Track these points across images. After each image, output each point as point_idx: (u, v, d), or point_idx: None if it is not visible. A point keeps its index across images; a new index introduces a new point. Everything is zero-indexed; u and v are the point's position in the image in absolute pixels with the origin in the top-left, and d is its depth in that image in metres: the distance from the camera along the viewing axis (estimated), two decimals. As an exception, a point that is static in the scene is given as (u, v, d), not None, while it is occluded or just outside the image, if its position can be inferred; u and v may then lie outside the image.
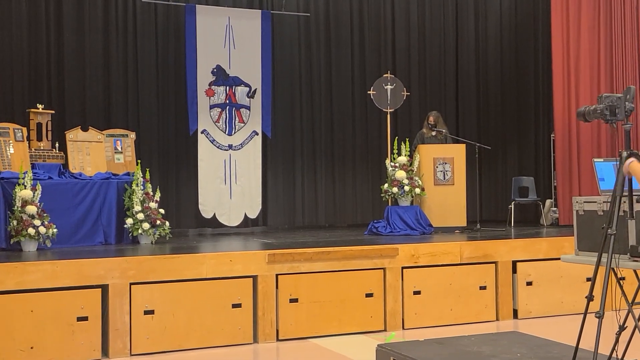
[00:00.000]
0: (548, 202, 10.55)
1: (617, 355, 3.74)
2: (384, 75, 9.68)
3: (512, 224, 10.14)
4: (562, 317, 7.59)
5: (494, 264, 7.46)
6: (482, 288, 7.38)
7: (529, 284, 7.57)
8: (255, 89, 9.97)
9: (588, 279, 7.76)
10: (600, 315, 3.46)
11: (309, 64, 10.80)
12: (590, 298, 3.79)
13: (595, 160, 4.08)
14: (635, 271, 4.00)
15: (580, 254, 4.18)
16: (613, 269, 3.81)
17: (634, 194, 3.61)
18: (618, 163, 3.58)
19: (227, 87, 9.82)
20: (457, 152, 9.15)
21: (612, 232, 3.47)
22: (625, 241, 3.74)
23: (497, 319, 7.42)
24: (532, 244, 7.70)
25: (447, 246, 7.32)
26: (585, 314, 3.86)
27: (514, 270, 7.54)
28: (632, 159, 3.51)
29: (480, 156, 9.66)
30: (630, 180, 3.58)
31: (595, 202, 4.09)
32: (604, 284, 3.45)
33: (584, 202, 4.17)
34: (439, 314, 7.17)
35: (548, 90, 11.04)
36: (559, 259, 7.54)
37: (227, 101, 9.83)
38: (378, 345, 4.76)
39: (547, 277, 7.63)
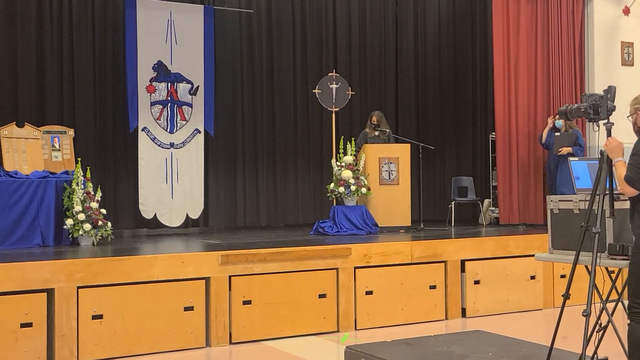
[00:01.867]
0: (486, 201, 10.72)
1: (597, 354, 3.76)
2: (329, 74, 9.62)
3: (453, 223, 10.24)
4: (507, 315, 7.70)
5: (443, 264, 7.49)
6: (432, 287, 7.39)
7: (477, 282, 7.63)
8: (198, 86, 9.73)
9: (532, 277, 7.92)
10: (587, 314, 3.45)
11: (251, 62, 10.64)
12: (566, 296, 3.79)
13: (570, 159, 4.10)
14: (607, 269, 4.03)
15: (554, 252, 4.19)
16: (587, 267, 3.83)
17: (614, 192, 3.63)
18: (598, 162, 3.59)
19: (169, 84, 9.54)
20: (402, 152, 9.17)
21: (596, 230, 3.48)
22: (603, 239, 3.77)
23: (446, 318, 7.45)
24: (479, 243, 7.77)
25: (398, 246, 7.29)
26: (561, 312, 3.86)
27: (462, 270, 7.59)
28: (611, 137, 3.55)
29: (421, 156, 9.71)
30: (611, 179, 3.60)
31: (571, 200, 4.11)
32: (590, 282, 3.45)
33: (559, 200, 4.19)
34: (391, 314, 7.14)
35: (485, 90, 11.24)
36: (505, 257, 7.80)
37: (169, 98, 9.55)
38: (347, 347, 4.66)
39: (494, 276, 7.72)
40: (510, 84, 9.82)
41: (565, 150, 9.05)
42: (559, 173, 9.17)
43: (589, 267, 3.74)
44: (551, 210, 4.21)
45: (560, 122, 9.27)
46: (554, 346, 4.05)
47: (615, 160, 3.49)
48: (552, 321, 3.57)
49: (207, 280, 6.32)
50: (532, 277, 7.93)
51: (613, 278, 4.05)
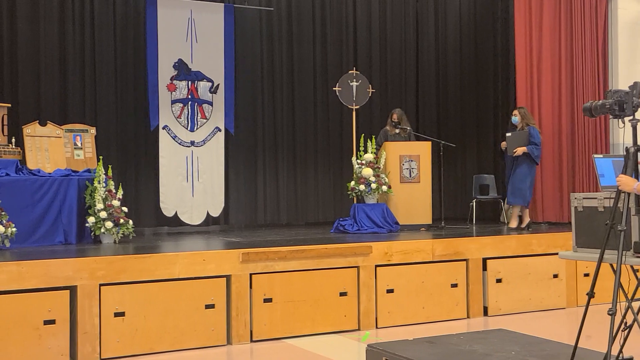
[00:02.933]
0: (508, 199, 10.63)
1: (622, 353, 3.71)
2: (350, 71, 9.60)
3: (474, 222, 10.18)
4: (530, 313, 7.66)
5: (465, 262, 7.45)
6: (454, 286, 7.36)
7: (499, 281, 7.59)
8: (218, 84, 9.75)
9: (555, 276, 7.86)
10: (613, 312, 3.41)
11: (271, 59, 10.65)
12: (591, 294, 3.75)
13: (595, 156, 4.05)
14: (632, 267, 3.99)
15: (578, 250, 4.15)
16: (612, 265, 3.78)
17: None
18: (623, 159, 3.55)
19: (189, 82, 9.57)
20: (423, 150, 9.13)
21: (622, 228, 3.44)
22: (629, 237, 3.72)
23: (468, 317, 7.43)
24: (501, 242, 7.73)
25: (419, 244, 7.27)
26: (586, 310, 3.82)
27: (484, 268, 7.55)
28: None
29: (442, 154, 9.65)
30: (637, 176, 3.55)
31: (596, 198, 4.07)
32: (615, 280, 3.41)
33: (583, 198, 4.14)
34: (412, 313, 7.13)
35: (507, 87, 11.15)
36: (527, 256, 7.75)
37: (189, 96, 9.58)
38: (368, 345, 4.65)
39: (516, 275, 7.67)
40: (533, 80, 9.74)
41: (520, 150, 8.60)
42: (513, 176, 8.78)
43: (614, 266, 3.69)
44: (575, 208, 4.17)
45: (516, 119, 8.84)
46: (578, 345, 4.01)
47: (634, 187, 3.48)
48: (576, 320, 3.54)
49: (228, 278, 6.34)
50: (555, 276, 7.87)
51: (639, 277, 4.00)
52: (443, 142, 9.46)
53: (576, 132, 9.65)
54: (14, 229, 6.74)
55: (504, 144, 8.89)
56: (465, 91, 11.94)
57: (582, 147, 9.66)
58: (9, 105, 7.90)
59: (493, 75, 11.61)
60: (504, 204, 10.53)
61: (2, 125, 7.57)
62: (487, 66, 11.69)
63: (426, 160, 9.11)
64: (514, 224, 8.94)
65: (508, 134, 8.85)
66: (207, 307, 6.21)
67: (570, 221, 4.41)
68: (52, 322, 5.62)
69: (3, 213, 6.73)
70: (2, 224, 6.64)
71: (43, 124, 7.93)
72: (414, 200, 9.00)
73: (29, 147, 7.65)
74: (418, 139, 9.62)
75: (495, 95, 11.58)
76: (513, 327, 5.63)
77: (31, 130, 7.75)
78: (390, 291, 7.03)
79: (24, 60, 9.00)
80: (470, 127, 11.87)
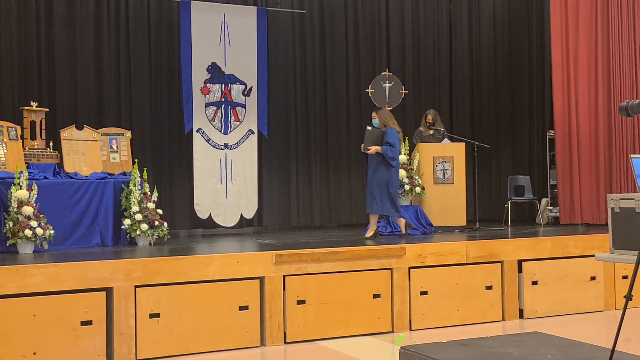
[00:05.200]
0: (544, 200, 10.52)
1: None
2: (382, 73, 9.60)
3: (509, 223, 10.09)
4: (567, 316, 7.54)
5: (499, 264, 7.38)
6: (488, 288, 7.29)
7: (535, 283, 7.50)
8: (251, 87, 9.82)
9: (592, 278, 7.74)
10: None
11: (304, 62, 10.69)
12: (629, 297, 3.68)
13: (632, 156, 3.99)
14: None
15: (615, 252, 4.08)
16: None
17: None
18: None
19: (223, 85, 9.65)
20: (456, 151, 9.08)
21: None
22: (668, 239, 3.65)
23: (503, 319, 7.34)
24: (537, 243, 7.63)
25: (453, 246, 7.22)
26: (623, 313, 3.76)
27: (520, 270, 7.46)
28: None
29: (476, 155, 9.59)
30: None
31: (633, 199, 4.00)
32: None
33: (620, 199, 4.08)
34: (446, 315, 7.07)
35: (542, 87, 11.04)
36: (564, 258, 7.64)
37: (223, 99, 9.67)
38: (401, 347, 4.62)
39: (552, 277, 7.56)
40: (570, 80, 9.61)
41: (373, 149, 7.86)
42: (370, 174, 8.03)
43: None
44: (612, 209, 4.10)
45: (376, 121, 8.05)
46: (616, 348, 3.94)
47: None
48: (613, 323, 3.47)
49: (261, 279, 6.36)
50: (593, 278, 7.74)
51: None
52: (477, 143, 9.40)
53: (613, 132, 9.48)
54: (52, 231, 6.86)
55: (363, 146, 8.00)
56: (499, 91, 11.85)
57: (619, 147, 9.49)
58: (47, 109, 8.05)
59: (528, 75, 11.50)
60: (539, 205, 10.43)
61: (40, 129, 7.72)
62: (522, 66, 11.58)
63: (460, 162, 9.07)
64: (370, 233, 8.17)
65: (369, 128, 8.03)
66: (241, 308, 6.23)
67: (607, 222, 4.34)
68: (89, 322, 5.70)
69: (41, 216, 6.85)
70: (40, 227, 6.76)
71: (80, 127, 8.06)
72: (447, 202, 8.96)
73: (66, 150, 7.78)
74: (452, 140, 9.56)
75: (530, 95, 11.46)
76: (549, 330, 5.56)
77: (68, 134, 7.88)
78: (424, 293, 6.98)
79: (61, 65, 9.17)
80: (504, 127, 11.77)
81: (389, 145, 7.85)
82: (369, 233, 8.11)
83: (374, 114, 8.19)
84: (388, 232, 8.50)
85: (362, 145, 7.93)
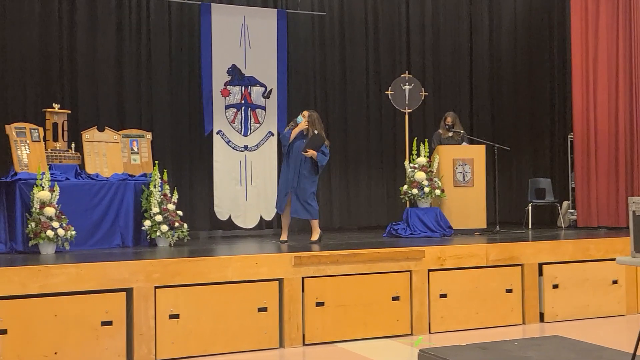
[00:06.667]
0: (565, 203, 10.44)
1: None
2: (402, 75, 9.57)
3: (530, 226, 10.02)
4: (588, 320, 7.48)
5: (520, 267, 7.33)
6: (508, 291, 7.25)
7: (555, 286, 7.44)
8: (271, 89, 9.86)
9: (614, 282, 7.67)
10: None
11: (324, 64, 10.72)
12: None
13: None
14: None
15: (637, 255, 4.03)
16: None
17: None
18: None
19: (243, 87, 9.70)
20: (476, 153, 9.05)
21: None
22: (690, 243, 3.60)
23: (524, 323, 7.29)
24: (558, 246, 7.58)
25: (473, 248, 7.19)
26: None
27: (540, 273, 7.41)
28: None
29: (496, 157, 9.53)
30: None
31: (655, 202, 3.95)
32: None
33: (642, 202, 4.03)
34: (465, 318, 7.04)
35: (564, 90, 10.97)
36: (585, 261, 7.58)
37: (243, 101, 9.71)
38: (420, 350, 4.61)
39: (573, 280, 7.50)
40: (589, 82, 9.52)
41: (311, 152, 7.82)
42: (301, 187, 7.92)
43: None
44: (633, 212, 4.05)
45: (300, 118, 7.98)
46: (637, 353, 3.90)
47: None
48: (636, 327, 3.44)
49: (280, 281, 6.38)
50: (614, 282, 7.67)
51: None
52: (497, 145, 9.34)
53: (635, 134, 9.38)
54: (73, 232, 6.92)
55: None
56: (519, 93, 11.79)
57: (640, 149, 9.40)
58: (69, 111, 8.13)
59: (549, 76, 11.44)
60: (560, 208, 10.35)
61: (63, 131, 7.79)
62: (543, 67, 11.52)
63: (480, 164, 9.03)
64: (316, 236, 8.16)
65: (316, 132, 7.90)
66: (260, 310, 6.25)
67: (628, 226, 4.29)
68: (109, 323, 5.74)
69: (63, 217, 6.92)
70: (62, 227, 6.82)
71: (101, 129, 8.13)
72: (467, 204, 8.92)
73: (88, 152, 7.85)
74: (472, 142, 9.52)
75: (551, 97, 11.40)
76: (570, 334, 5.52)
77: (90, 135, 7.95)
78: (443, 296, 6.96)
79: (83, 67, 9.26)
80: (525, 129, 11.71)
81: (324, 154, 7.94)
82: (315, 237, 8.10)
83: (306, 112, 8.06)
84: (408, 234, 8.48)
85: (305, 145, 7.83)
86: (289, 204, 7.98)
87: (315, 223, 8.15)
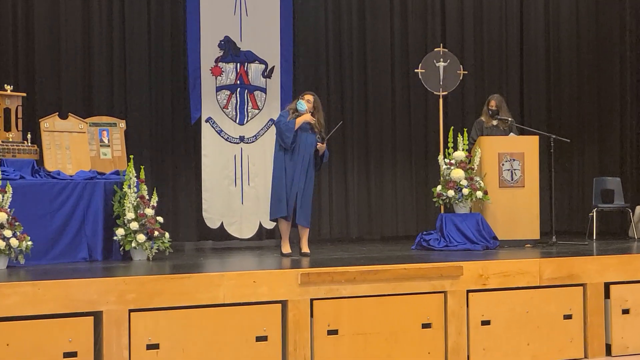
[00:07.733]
0: (638, 208, 10.43)
1: None
2: (436, 49, 9.60)
3: (594, 237, 10.02)
4: (666, 354, 7.49)
5: (581, 287, 7.35)
6: (567, 317, 7.27)
7: (626, 312, 7.44)
8: (273, 67, 9.91)
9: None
10: None
11: (339, 36, 10.79)
12: None
13: None
14: None
15: None
16: None
17: None
18: None
19: (238, 65, 9.76)
20: (528, 146, 9.07)
21: None
22: None
23: (586, 357, 7.32)
24: (629, 262, 7.58)
25: (523, 264, 7.21)
26: None
27: (607, 295, 7.42)
28: None
29: (552, 151, 9.52)
30: None
31: None
32: None
33: None
34: (514, 350, 7.06)
35: (637, 71, 10.93)
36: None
37: (238, 82, 9.77)
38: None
39: (648, 304, 7.52)
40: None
41: (323, 146, 8.04)
42: (305, 180, 7.91)
43: None
44: None
45: (302, 103, 8.00)
46: None
47: None
48: None
49: (283, 304, 6.40)
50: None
51: None
52: (554, 136, 9.35)
53: None
54: (29, 243, 6.96)
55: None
56: (583, 75, 11.82)
57: None
58: (24, 94, 8.19)
59: (620, 56, 11.46)
60: (633, 214, 10.33)
61: (16, 118, 7.86)
62: (613, 44, 11.54)
63: (533, 160, 9.06)
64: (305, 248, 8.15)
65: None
66: (259, 339, 6.27)
67: None
68: (74, 354, 5.77)
69: (17, 224, 6.95)
70: (15, 237, 6.85)
71: (64, 116, 8.19)
72: (517, 210, 8.95)
73: (47, 144, 7.90)
74: (522, 132, 9.52)
75: (622, 81, 11.42)
76: (644, 371, 5.55)
77: (50, 124, 8.00)
78: (486, 323, 6.98)
79: (41, 39, 9.33)
80: (589, 118, 11.75)
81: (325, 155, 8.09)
82: (305, 249, 8.09)
83: (309, 96, 8.10)
84: (442, 246, 8.50)
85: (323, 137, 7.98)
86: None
87: (307, 232, 8.18)
